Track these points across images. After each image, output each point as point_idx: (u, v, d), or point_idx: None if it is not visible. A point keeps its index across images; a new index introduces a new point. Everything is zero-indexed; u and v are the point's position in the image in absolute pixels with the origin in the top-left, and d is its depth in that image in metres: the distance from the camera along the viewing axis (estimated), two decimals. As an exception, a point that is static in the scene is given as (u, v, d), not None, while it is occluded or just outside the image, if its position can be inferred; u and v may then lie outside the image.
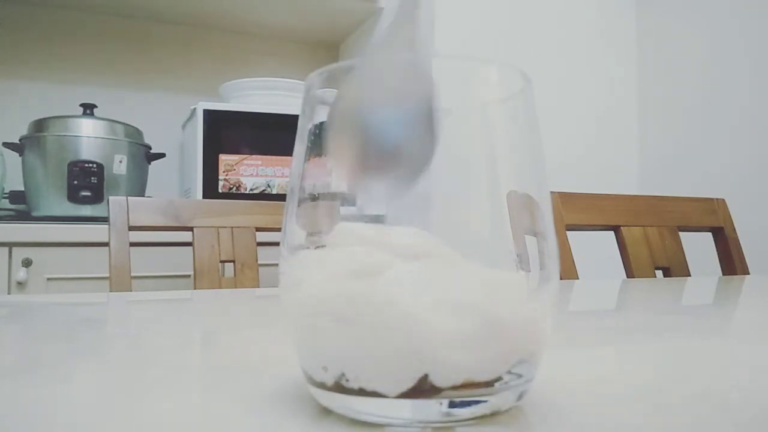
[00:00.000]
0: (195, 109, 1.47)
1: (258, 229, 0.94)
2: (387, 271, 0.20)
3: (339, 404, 0.21)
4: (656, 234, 1.07)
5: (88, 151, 1.41)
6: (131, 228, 0.86)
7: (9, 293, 1.20)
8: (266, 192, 1.49)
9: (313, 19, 1.84)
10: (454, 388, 0.20)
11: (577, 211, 1.02)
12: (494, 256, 0.22)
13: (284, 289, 0.23)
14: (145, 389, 0.26)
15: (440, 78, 0.22)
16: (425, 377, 0.20)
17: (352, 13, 1.80)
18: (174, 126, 1.77)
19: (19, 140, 1.44)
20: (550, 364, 0.24)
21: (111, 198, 0.87)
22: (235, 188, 1.46)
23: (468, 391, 0.20)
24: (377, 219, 0.22)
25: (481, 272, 0.21)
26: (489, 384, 0.20)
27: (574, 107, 1.71)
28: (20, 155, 1.44)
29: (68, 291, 1.25)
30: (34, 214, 1.43)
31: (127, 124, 1.51)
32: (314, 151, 0.23)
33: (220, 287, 0.87)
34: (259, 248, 0.93)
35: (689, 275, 1.06)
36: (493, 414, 0.21)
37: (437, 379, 0.20)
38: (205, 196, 1.42)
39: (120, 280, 0.82)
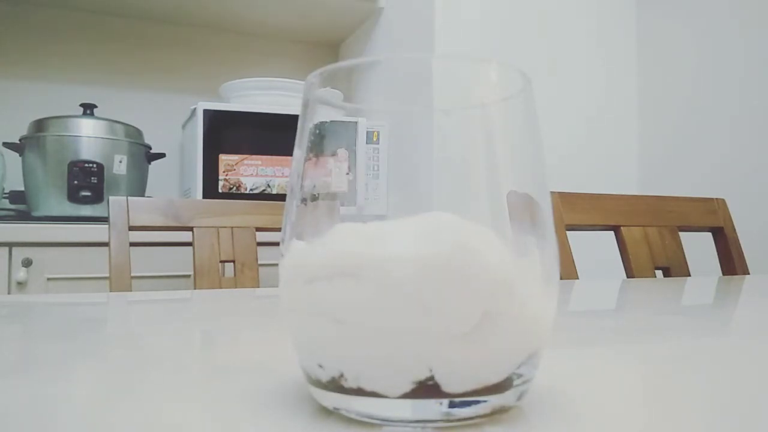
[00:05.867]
0: (195, 109, 1.47)
1: (258, 229, 0.94)
2: (385, 270, 0.20)
3: (337, 403, 0.21)
4: (656, 234, 1.07)
5: (88, 151, 1.41)
6: (131, 228, 0.86)
7: (9, 293, 1.20)
8: (266, 192, 1.49)
9: (313, 19, 1.84)
10: (466, 393, 0.20)
11: (577, 211, 1.02)
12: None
13: (283, 287, 0.23)
14: (144, 389, 0.26)
15: (440, 78, 0.22)
16: (429, 379, 0.20)
17: (352, 13, 1.80)
18: (174, 126, 1.77)
19: (19, 140, 1.44)
20: (550, 364, 0.24)
21: (111, 198, 0.87)
22: (235, 188, 1.46)
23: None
24: (380, 219, 0.22)
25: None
26: (497, 386, 0.20)
27: (574, 107, 1.71)
28: (20, 155, 1.44)
29: (68, 291, 1.25)
30: (34, 214, 1.43)
31: (127, 124, 1.51)
32: (314, 151, 0.23)
33: (220, 287, 0.87)
34: (259, 248, 0.93)
35: (689, 275, 1.06)
36: (493, 414, 0.21)
37: (444, 383, 0.20)
38: (205, 196, 1.42)
39: (120, 280, 0.82)
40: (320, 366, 0.21)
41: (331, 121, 0.23)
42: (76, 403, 0.24)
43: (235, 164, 1.46)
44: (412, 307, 0.19)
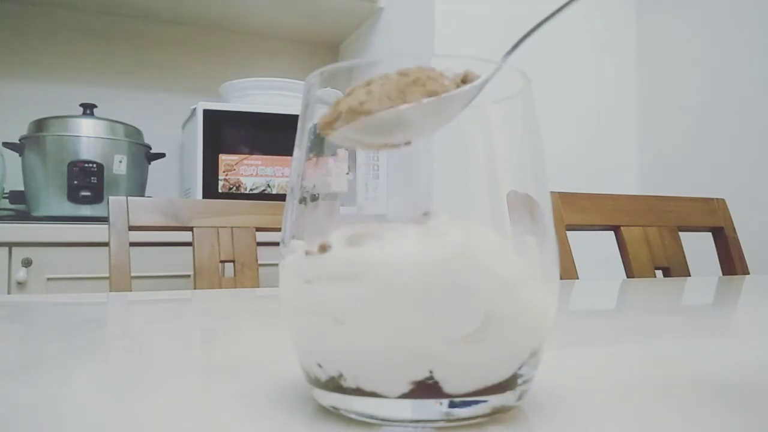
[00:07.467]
0: (195, 109, 1.47)
1: (258, 229, 0.94)
2: (385, 271, 0.20)
3: (336, 403, 0.21)
4: (656, 234, 1.07)
5: (88, 151, 1.41)
6: (131, 228, 0.86)
7: (9, 293, 1.20)
8: (266, 192, 1.49)
9: (313, 19, 1.84)
10: (466, 394, 0.20)
11: (577, 211, 1.02)
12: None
13: (283, 287, 0.23)
14: (144, 389, 0.26)
15: (440, 78, 0.22)
16: (429, 379, 0.20)
17: (352, 13, 1.80)
18: (174, 126, 1.77)
19: (19, 140, 1.44)
20: (550, 364, 0.24)
21: (111, 198, 0.87)
22: (235, 188, 1.46)
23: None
24: (379, 218, 0.22)
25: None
26: (498, 387, 0.20)
27: (574, 107, 1.71)
28: (20, 155, 1.44)
29: (68, 291, 1.25)
30: (34, 214, 1.43)
31: (127, 124, 1.50)
32: (314, 151, 0.23)
33: (220, 287, 0.87)
34: (259, 248, 0.93)
35: (689, 275, 1.06)
36: (494, 414, 0.21)
37: (444, 384, 0.20)
38: (205, 196, 1.42)
39: (120, 280, 0.82)
40: (319, 365, 0.21)
41: (331, 121, 0.23)
42: (76, 403, 0.24)
43: (235, 164, 1.46)
44: (413, 309, 0.19)
